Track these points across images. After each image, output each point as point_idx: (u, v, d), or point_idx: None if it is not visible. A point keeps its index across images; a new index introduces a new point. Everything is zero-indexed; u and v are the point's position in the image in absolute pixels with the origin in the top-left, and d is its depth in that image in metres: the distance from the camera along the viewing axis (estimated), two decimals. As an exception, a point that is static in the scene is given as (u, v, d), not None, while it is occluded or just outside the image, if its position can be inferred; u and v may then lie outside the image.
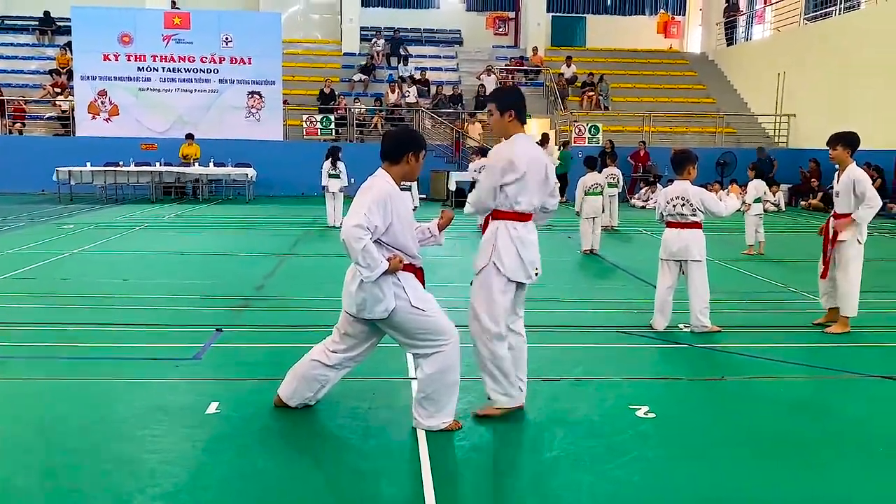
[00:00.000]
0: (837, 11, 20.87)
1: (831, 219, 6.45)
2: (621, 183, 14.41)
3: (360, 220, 3.80)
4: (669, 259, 6.35)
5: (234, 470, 3.63)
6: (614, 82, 23.97)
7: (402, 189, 4.07)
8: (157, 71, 20.05)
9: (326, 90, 21.59)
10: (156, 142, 19.70)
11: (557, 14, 29.09)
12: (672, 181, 6.56)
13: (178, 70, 20.09)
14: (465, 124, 21.10)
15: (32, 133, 20.92)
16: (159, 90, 20.11)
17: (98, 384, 4.84)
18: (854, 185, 6.23)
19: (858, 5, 20.76)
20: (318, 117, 20.80)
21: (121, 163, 17.85)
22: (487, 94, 21.50)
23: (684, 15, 29.89)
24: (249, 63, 20.18)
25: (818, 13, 22.17)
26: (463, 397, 4.33)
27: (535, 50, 25.59)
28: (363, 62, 24.26)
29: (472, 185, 15.35)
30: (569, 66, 24.14)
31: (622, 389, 4.89)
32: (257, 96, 20.31)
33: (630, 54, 27.04)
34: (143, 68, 19.98)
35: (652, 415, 4.40)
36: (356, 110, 21.72)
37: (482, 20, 29.60)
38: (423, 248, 4.21)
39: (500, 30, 29.47)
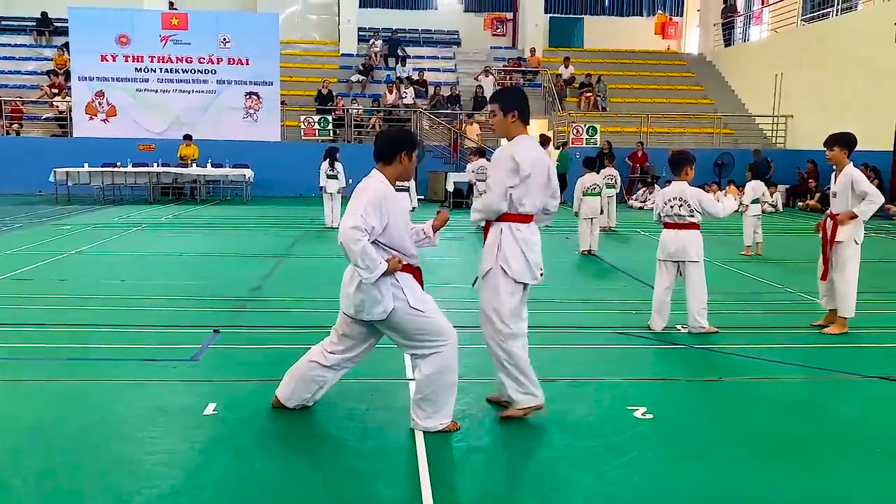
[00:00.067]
0: (835, 13, 20.93)
1: (828, 219, 6.46)
2: (619, 184, 14.44)
3: (357, 222, 3.80)
4: (667, 260, 6.36)
5: (231, 471, 3.63)
6: (612, 83, 24.00)
7: (399, 190, 4.08)
8: (155, 72, 20.03)
9: (324, 91, 21.57)
10: (153, 142, 19.68)
11: (555, 15, 29.13)
12: (670, 182, 6.56)
13: (176, 71, 20.07)
14: (463, 125, 21.08)
15: (30, 134, 20.89)
16: (157, 91, 20.09)
17: (96, 385, 4.83)
18: (853, 186, 6.24)
19: (855, 6, 20.79)
20: (316, 118, 20.79)
21: (118, 163, 17.83)
22: (485, 95, 21.58)
23: (682, 16, 29.92)
24: (247, 64, 20.17)
25: (815, 14, 22.20)
26: (461, 398, 4.33)
27: (532, 51, 25.61)
28: (361, 63, 24.27)
29: (470, 186, 15.38)
30: (566, 66, 24.16)
31: (620, 390, 4.90)
32: (255, 97, 20.30)
33: (628, 55, 27.07)
34: (140, 69, 19.95)
35: (650, 415, 4.41)
36: (354, 111, 21.72)
37: (480, 21, 29.62)
38: (418, 249, 4.20)
39: (498, 31, 29.48)
